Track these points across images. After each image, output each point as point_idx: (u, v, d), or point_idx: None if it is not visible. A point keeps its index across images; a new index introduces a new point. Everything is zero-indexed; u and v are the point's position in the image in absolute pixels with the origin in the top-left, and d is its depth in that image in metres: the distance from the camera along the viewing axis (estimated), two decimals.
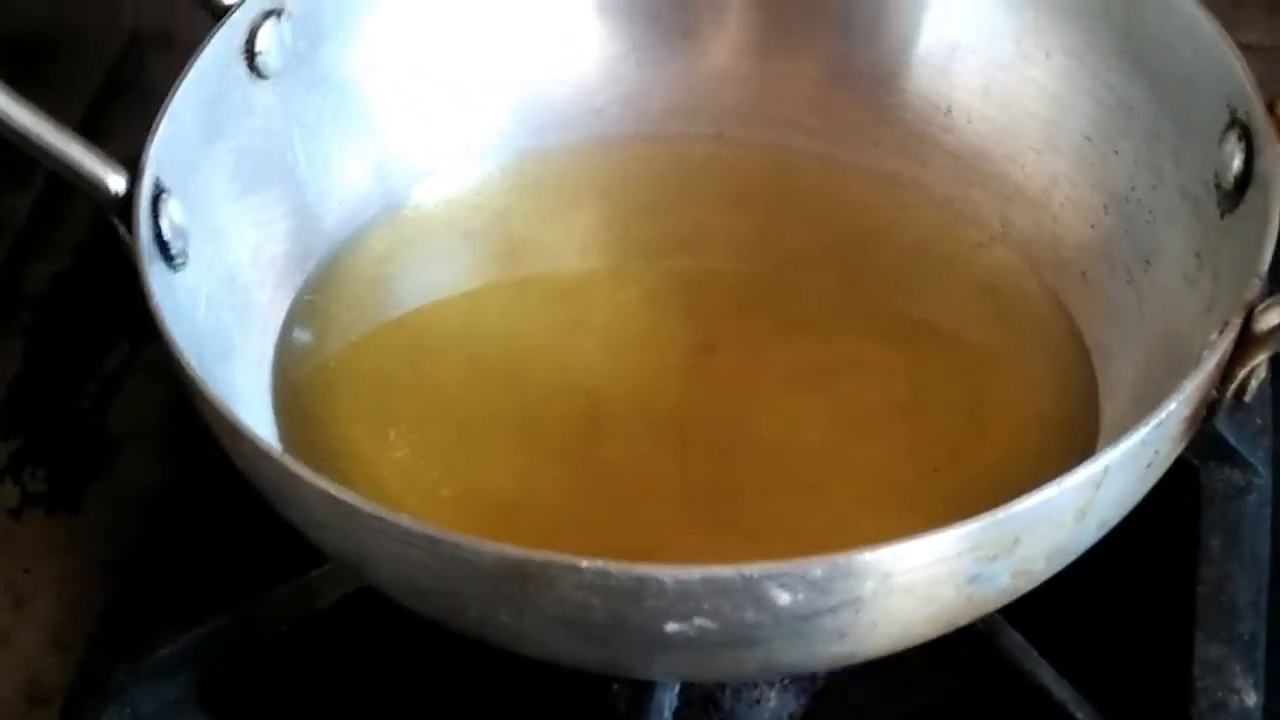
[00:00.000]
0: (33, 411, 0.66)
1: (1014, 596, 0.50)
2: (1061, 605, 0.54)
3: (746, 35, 0.69)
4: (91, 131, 0.57)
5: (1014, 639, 0.56)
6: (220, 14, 0.61)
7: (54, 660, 0.59)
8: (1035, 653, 0.56)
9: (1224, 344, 0.50)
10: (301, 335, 0.62)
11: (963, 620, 0.50)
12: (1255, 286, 0.51)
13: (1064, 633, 0.56)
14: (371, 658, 0.58)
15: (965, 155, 0.66)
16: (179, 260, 0.57)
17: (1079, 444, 0.57)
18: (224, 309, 0.59)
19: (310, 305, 0.63)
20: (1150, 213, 0.61)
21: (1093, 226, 0.63)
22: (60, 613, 0.60)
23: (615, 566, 0.45)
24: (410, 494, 0.57)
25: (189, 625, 0.58)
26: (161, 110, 0.57)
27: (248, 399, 0.58)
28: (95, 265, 0.70)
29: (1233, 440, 0.60)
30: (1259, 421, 0.61)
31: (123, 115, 0.74)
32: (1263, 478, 0.60)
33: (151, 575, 0.60)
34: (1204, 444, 0.59)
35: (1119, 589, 0.58)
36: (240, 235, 0.61)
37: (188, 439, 0.61)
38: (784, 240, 0.66)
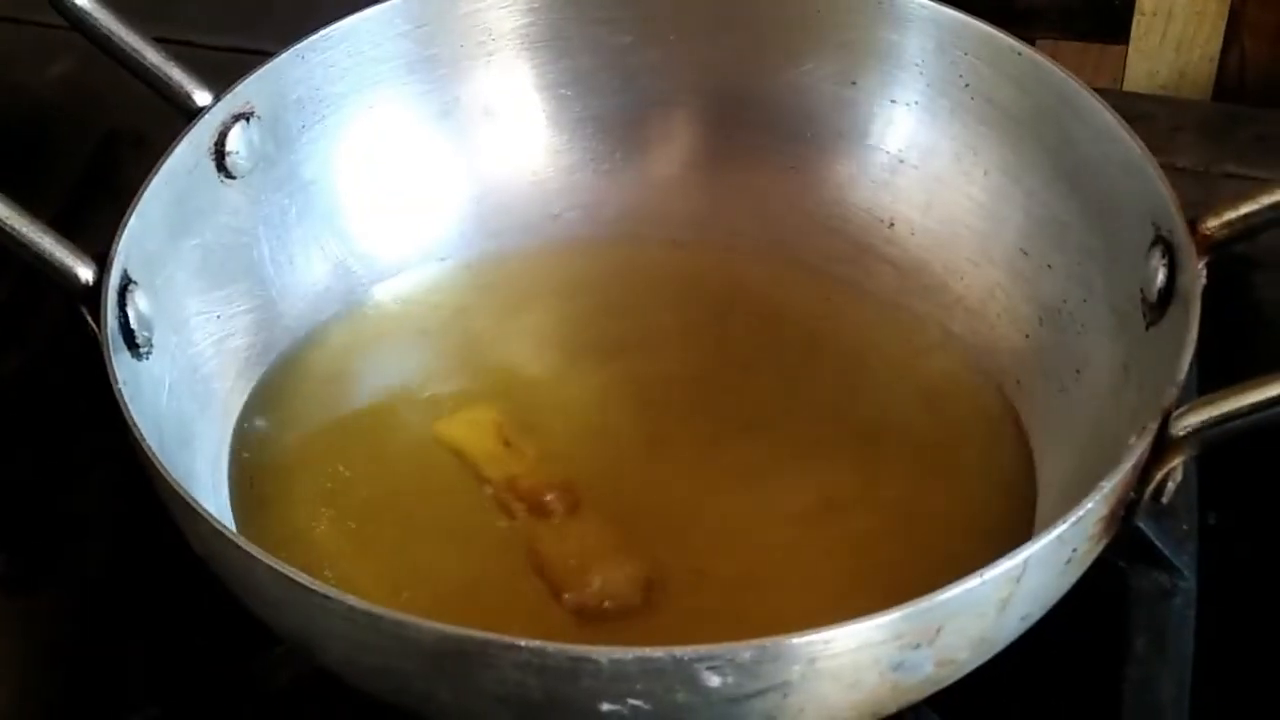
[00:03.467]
0: None
1: (938, 686, 0.51)
2: (992, 700, 0.56)
3: (697, 147, 0.72)
4: (67, 226, 0.59)
5: None
6: (191, 115, 0.63)
7: None
8: None
9: (1141, 447, 0.52)
10: (260, 425, 0.64)
11: (889, 709, 0.51)
12: (1172, 394, 0.53)
13: None
14: None
15: (907, 266, 0.69)
16: (144, 349, 0.59)
17: (1017, 541, 0.59)
18: (185, 397, 0.61)
19: (269, 396, 0.65)
20: (1081, 324, 0.63)
21: (1027, 336, 0.65)
22: (15, 695, 0.61)
23: (552, 646, 0.47)
24: (361, 578, 0.59)
25: (143, 707, 0.59)
26: (131, 205, 0.60)
27: (205, 485, 0.60)
28: (62, 356, 0.71)
29: (1160, 544, 0.62)
30: (1185, 527, 0.63)
31: (98, 211, 0.76)
32: (1188, 581, 0.62)
33: (106, 658, 0.61)
34: (1131, 547, 0.61)
35: (1048, 685, 0.59)
36: (204, 327, 0.64)
37: (143, 526, 0.62)
38: (731, 342, 0.68)
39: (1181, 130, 0.80)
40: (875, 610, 0.47)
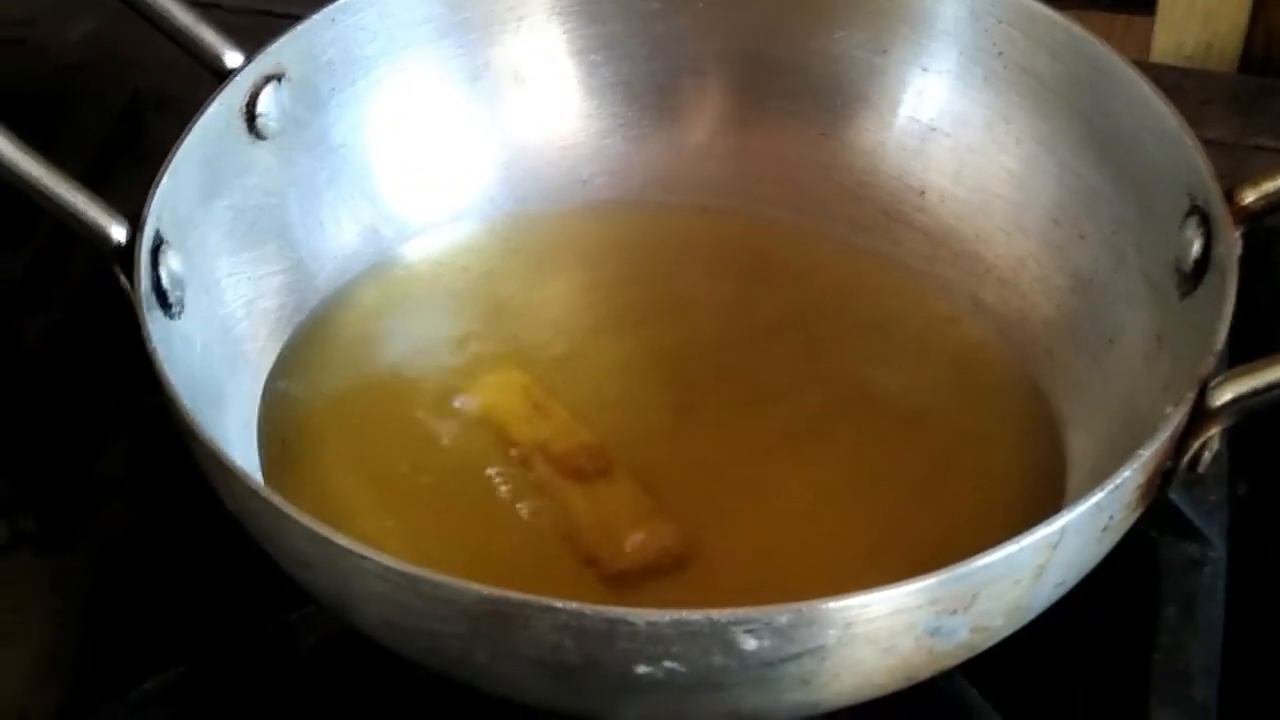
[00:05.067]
0: (25, 455, 0.67)
1: (973, 652, 0.51)
2: (1022, 667, 0.56)
3: (726, 113, 0.72)
4: (92, 187, 0.59)
5: (973, 698, 0.57)
6: (223, 76, 0.63)
7: (40, 695, 0.60)
8: (996, 713, 0.57)
9: (1179, 416, 0.52)
10: (290, 386, 0.64)
11: (923, 674, 0.51)
12: (1210, 363, 0.53)
13: (1023, 694, 0.58)
14: (352, 700, 0.59)
15: (937, 234, 0.69)
16: (176, 309, 0.59)
17: (1044, 512, 0.59)
18: (217, 358, 0.61)
19: (299, 358, 0.65)
20: (1114, 294, 0.63)
21: (1059, 306, 0.65)
22: (47, 649, 0.61)
23: (589, 608, 0.47)
24: (391, 540, 0.59)
25: (172, 662, 0.59)
26: (164, 165, 0.59)
27: (236, 446, 0.60)
28: (90, 318, 0.71)
29: (1190, 514, 0.62)
30: (1214, 497, 0.63)
31: (123, 172, 0.76)
32: (1217, 551, 0.62)
33: (136, 615, 0.62)
34: (1162, 517, 0.61)
35: (1079, 653, 0.59)
36: (235, 288, 0.63)
37: (174, 486, 0.62)
38: (759, 309, 0.68)
39: (1210, 103, 0.80)
40: (903, 577, 0.47)
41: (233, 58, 0.64)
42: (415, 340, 0.67)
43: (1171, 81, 0.63)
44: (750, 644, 0.47)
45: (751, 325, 0.68)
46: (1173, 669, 0.59)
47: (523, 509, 0.61)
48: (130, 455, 0.67)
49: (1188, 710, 0.58)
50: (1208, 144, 0.59)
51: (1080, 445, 0.62)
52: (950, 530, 0.60)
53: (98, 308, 0.71)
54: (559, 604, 0.47)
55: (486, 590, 0.47)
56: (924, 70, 0.68)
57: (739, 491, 0.62)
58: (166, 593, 0.62)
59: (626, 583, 0.58)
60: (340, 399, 0.64)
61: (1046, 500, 0.60)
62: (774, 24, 0.70)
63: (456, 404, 0.64)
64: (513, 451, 0.62)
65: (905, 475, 0.62)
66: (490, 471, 0.62)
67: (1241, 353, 0.54)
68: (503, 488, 0.61)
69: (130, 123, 0.80)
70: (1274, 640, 0.61)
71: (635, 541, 0.59)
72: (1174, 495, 0.59)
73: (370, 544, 0.48)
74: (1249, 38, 0.86)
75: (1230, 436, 0.60)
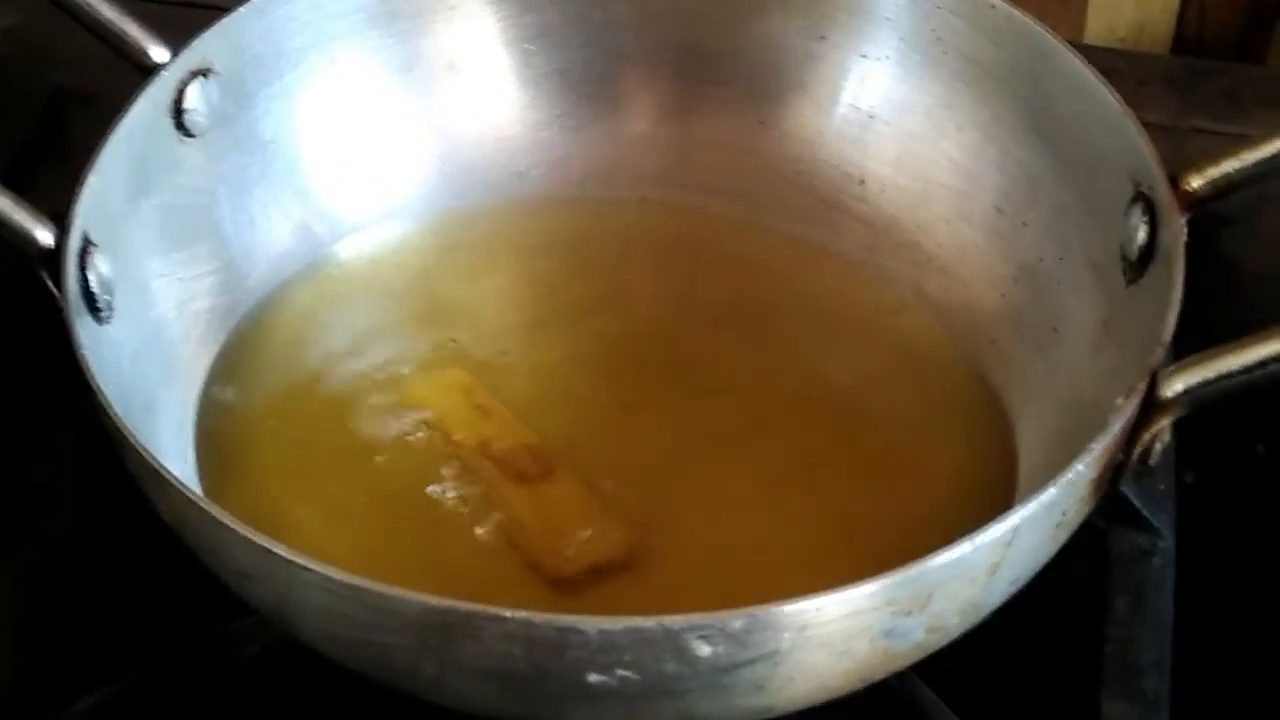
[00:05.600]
0: None
1: (928, 652, 0.51)
2: (974, 663, 0.55)
3: (665, 103, 0.71)
4: (13, 187, 0.57)
5: (927, 695, 0.57)
6: (149, 72, 0.62)
7: None
8: (948, 709, 0.57)
9: (1129, 408, 0.51)
10: (224, 390, 0.63)
11: (878, 675, 0.51)
12: (1159, 354, 0.52)
13: (975, 690, 0.57)
14: (295, 710, 0.58)
15: (879, 223, 0.68)
16: (105, 314, 0.57)
17: (996, 506, 0.58)
18: (148, 363, 0.60)
19: (233, 361, 0.64)
20: (1058, 283, 0.63)
21: (1003, 295, 0.65)
22: None
23: (539, 617, 0.46)
24: (332, 548, 0.58)
25: (108, 679, 0.58)
26: (89, 164, 0.58)
27: (171, 453, 0.58)
28: (17, 320, 0.70)
29: (1138, 505, 0.62)
30: (1163, 488, 0.63)
31: (45, 171, 0.74)
32: (1166, 541, 0.62)
33: (69, 630, 0.60)
34: (1111, 508, 0.61)
35: (1029, 648, 0.59)
36: (165, 290, 0.62)
37: (107, 495, 0.61)
38: (702, 302, 0.67)
39: (1146, 85, 0.80)
40: (856, 574, 0.47)
41: (158, 53, 0.62)
42: (352, 341, 0.66)
43: (1107, 63, 0.63)
44: (704, 650, 0.46)
45: (694, 318, 0.67)
46: (1124, 661, 0.58)
47: (466, 513, 0.60)
48: (64, 462, 0.65)
49: (1139, 702, 0.57)
50: (1146, 127, 0.59)
51: (1029, 435, 0.61)
52: (900, 524, 0.59)
53: (24, 309, 0.69)
54: (507, 613, 0.46)
55: (432, 600, 0.46)
56: (863, 57, 0.68)
57: (685, 489, 0.61)
58: (100, 605, 0.61)
59: (573, 586, 0.58)
60: (276, 403, 0.63)
61: (997, 491, 0.60)
62: (711, 11, 0.69)
63: (396, 406, 0.63)
64: (455, 453, 0.61)
65: (852, 469, 0.62)
66: (432, 475, 0.61)
67: (1185, 340, 0.54)
68: (445, 491, 0.60)
69: (52, 120, 0.79)
70: (1223, 630, 0.61)
71: (580, 543, 0.58)
72: (1123, 487, 0.59)
73: (311, 554, 0.47)
74: (1181, 18, 0.86)
75: (1177, 425, 0.60)
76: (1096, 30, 0.87)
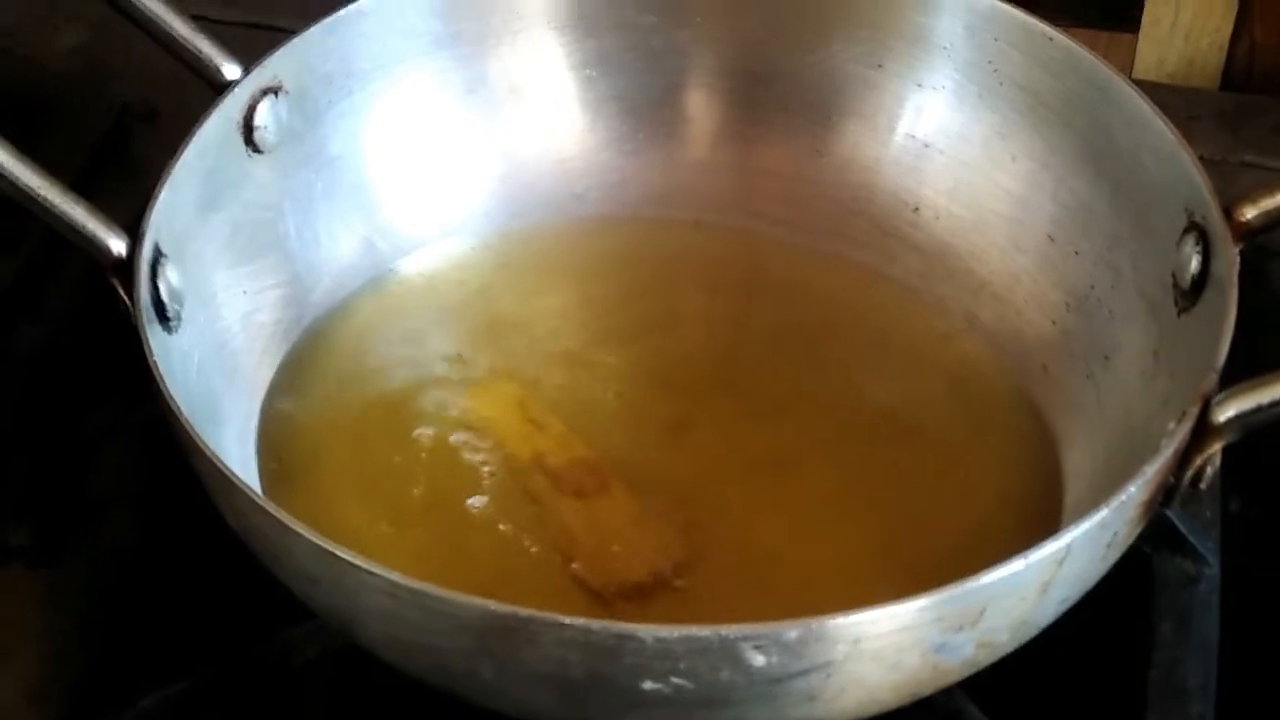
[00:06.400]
0: (17, 468, 0.67)
1: (977, 668, 0.52)
2: (1020, 683, 0.56)
3: (722, 128, 0.72)
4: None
5: (973, 713, 0.57)
6: (220, 89, 0.63)
7: (31, 714, 0.60)
8: None
9: (1182, 433, 0.52)
10: (286, 402, 0.64)
11: (927, 690, 0.51)
12: (1212, 380, 0.53)
13: (1023, 710, 0.58)
14: (348, 717, 0.59)
15: (932, 250, 0.69)
16: (174, 323, 0.58)
17: (1042, 529, 0.59)
18: (213, 373, 0.61)
19: (296, 372, 0.65)
20: (1110, 311, 0.63)
21: (1054, 322, 0.65)
22: (39, 667, 0.61)
23: (597, 624, 0.46)
24: (388, 555, 0.58)
25: (168, 681, 0.58)
26: (163, 178, 0.59)
27: (234, 461, 0.59)
28: (82, 329, 0.71)
29: (1184, 531, 0.62)
30: (1209, 514, 0.63)
31: (111, 185, 0.75)
32: (1212, 567, 0.62)
33: (131, 633, 0.61)
34: (1157, 534, 0.61)
35: (1076, 670, 0.59)
36: (231, 302, 0.63)
37: (169, 501, 0.62)
38: (755, 325, 0.68)
39: (1197, 119, 0.81)
40: (900, 593, 0.47)
41: (231, 70, 0.63)
42: (411, 355, 0.67)
43: (1158, 98, 0.63)
44: (758, 660, 0.47)
45: (747, 340, 0.68)
46: (1169, 685, 0.59)
47: (520, 526, 0.60)
48: (124, 469, 0.66)
49: None
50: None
51: (1076, 462, 0.62)
52: (946, 547, 0.60)
53: (89, 319, 0.70)
54: (566, 620, 0.46)
55: (493, 605, 0.47)
56: (919, 86, 0.69)
57: (736, 507, 0.61)
58: (162, 608, 0.61)
59: (624, 599, 0.58)
60: (337, 414, 0.64)
61: (1042, 517, 0.60)
62: (769, 38, 0.70)
63: (453, 419, 0.64)
64: (510, 467, 0.62)
65: (901, 491, 0.62)
66: (487, 488, 0.62)
67: (1234, 368, 0.54)
68: (500, 504, 0.61)
69: (118, 136, 0.80)
70: (1268, 656, 0.61)
71: (632, 558, 0.59)
72: (1169, 512, 0.59)
73: (373, 560, 0.48)
74: (1231, 54, 0.87)
75: (1222, 453, 0.60)
76: (1146, 65, 0.88)
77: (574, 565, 0.59)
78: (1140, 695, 0.59)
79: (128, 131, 0.81)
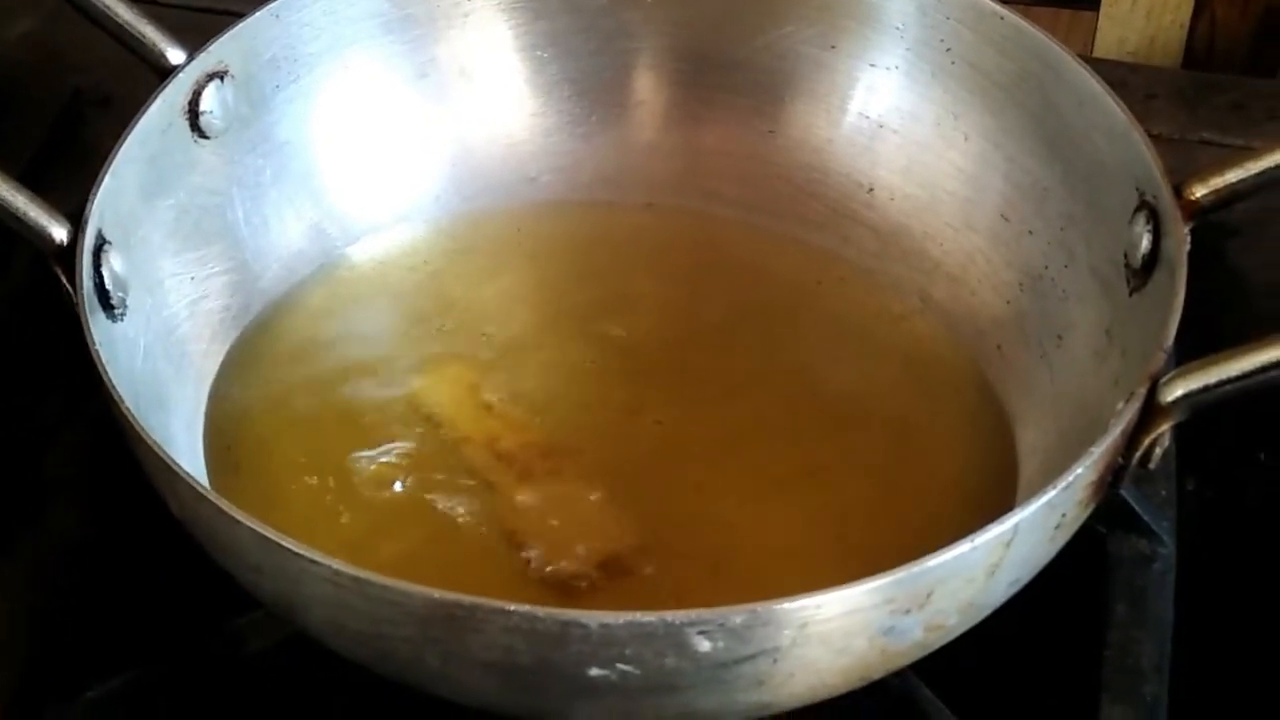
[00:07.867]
0: None
1: (926, 651, 0.51)
2: (973, 664, 0.56)
3: (677, 110, 0.71)
4: (32, 186, 0.58)
5: (925, 696, 0.57)
6: (165, 74, 0.63)
7: None
8: (948, 710, 0.57)
9: (1129, 413, 0.52)
10: (236, 389, 0.63)
11: (876, 673, 0.51)
12: (1160, 359, 0.53)
13: (976, 692, 0.58)
14: (300, 704, 0.59)
15: (886, 231, 0.68)
16: (118, 311, 0.58)
17: (996, 509, 0.59)
18: (160, 360, 0.60)
19: (245, 359, 0.64)
20: (1063, 290, 0.63)
21: (1008, 302, 0.65)
22: None
23: (542, 610, 0.46)
24: (338, 544, 0.58)
25: (115, 671, 0.58)
26: (106, 164, 0.59)
27: (181, 450, 0.59)
28: (32, 317, 0.70)
29: (1139, 510, 0.62)
30: (1164, 493, 0.63)
31: (63, 171, 0.75)
32: (1167, 547, 0.62)
33: (81, 621, 0.61)
34: (1112, 513, 0.61)
35: (1029, 650, 0.59)
36: (178, 289, 0.63)
37: (118, 490, 0.62)
38: (709, 307, 0.68)
39: (1155, 97, 0.81)
40: (857, 576, 0.47)
41: (175, 55, 0.63)
42: (362, 341, 0.66)
43: (1117, 76, 0.64)
44: (705, 645, 0.47)
45: (701, 323, 0.67)
46: (1123, 665, 0.59)
47: (472, 511, 0.60)
48: (73, 458, 0.66)
49: (1138, 707, 0.58)
50: (1153, 139, 0.59)
51: (1030, 440, 0.62)
52: (902, 527, 0.60)
53: (39, 307, 0.70)
54: (511, 606, 0.46)
55: (438, 593, 0.47)
56: (872, 66, 0.68)
57: (689, 490, 0.61)
58: (112, 597, 0.61)
59: (576, 585, 0.58)
60: (286, 402, 0.64)
61: (998, 496, 0.60)
62: (721, 19, 0.70)
63: (405, 404, 0.63)
64: (462, 451, 0.62)
65: (856, 472, 0.62)
66: (439, 473, 0.61)
67: (1190, 347, 0.54)
68: (452, 490, 0.61)
69: (69, 122, 0.79)
70: (1222, 636, 0.61)
71: (584, 542, 0.59)
72: (1124, 491, 0.59)
73: (317, 548, 0.48)
74: (1192, 32, 0.87)
75: (1178, 432, 0.60)
76: (1107, 43, 0.88)
77: (526, 550, 0.59)
78: (1095, 675, 0.59)
79: (80, 117, 0.80)
